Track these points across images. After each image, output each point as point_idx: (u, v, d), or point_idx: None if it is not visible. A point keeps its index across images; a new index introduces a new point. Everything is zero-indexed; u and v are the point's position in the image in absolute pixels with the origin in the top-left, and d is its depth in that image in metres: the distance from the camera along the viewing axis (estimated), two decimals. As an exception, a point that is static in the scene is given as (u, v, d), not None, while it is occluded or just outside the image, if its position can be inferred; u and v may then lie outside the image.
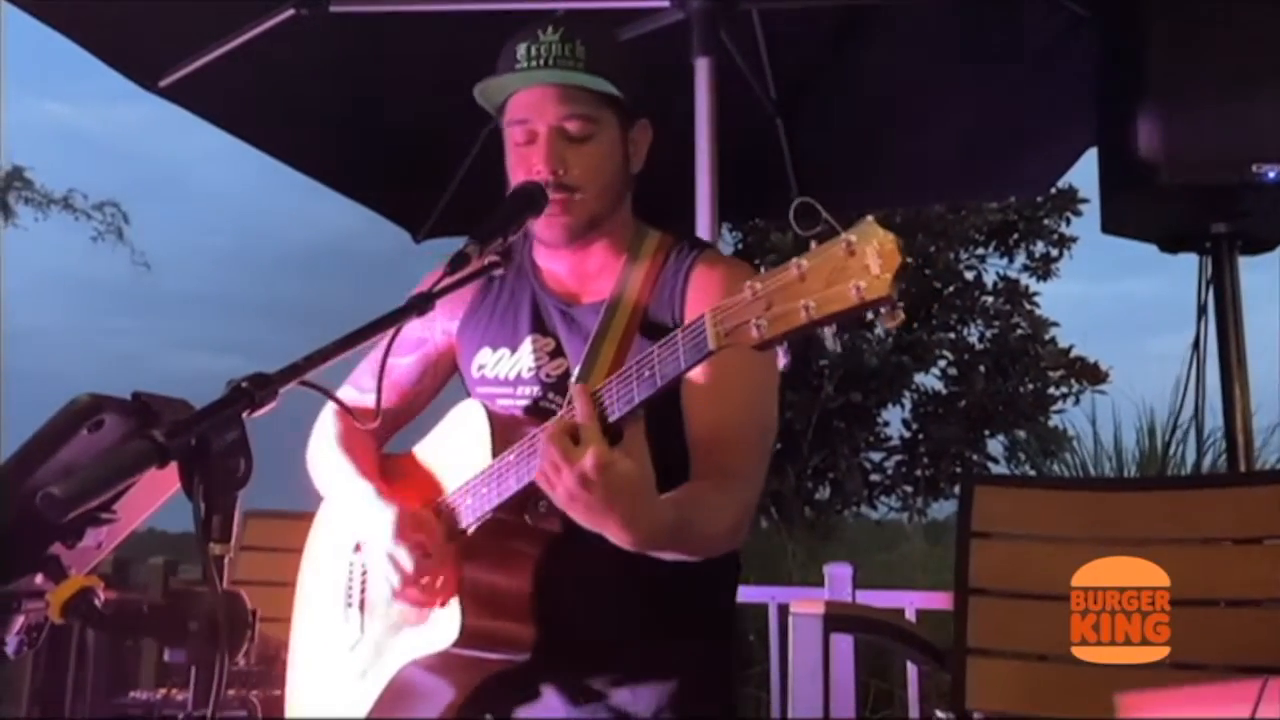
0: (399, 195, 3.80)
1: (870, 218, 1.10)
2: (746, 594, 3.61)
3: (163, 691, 2.90)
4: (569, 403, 1.36)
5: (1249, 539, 2.08)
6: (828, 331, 1.15)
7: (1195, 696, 1.94)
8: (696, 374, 1.50)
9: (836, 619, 2.05)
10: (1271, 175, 2.40)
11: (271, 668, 2.38)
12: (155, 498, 1.33)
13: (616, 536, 1.34)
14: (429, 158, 3.60)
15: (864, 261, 1.07)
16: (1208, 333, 2.77)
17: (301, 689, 1.76)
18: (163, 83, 3.05)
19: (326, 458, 1.74)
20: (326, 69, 3.19)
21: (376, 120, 3.39)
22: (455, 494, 1.56)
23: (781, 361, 1.45)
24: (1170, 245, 2.87)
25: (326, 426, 1.78)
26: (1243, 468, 2.66)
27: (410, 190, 3.75)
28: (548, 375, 1.66)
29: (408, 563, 1.52)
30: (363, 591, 1.67)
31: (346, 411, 1.48)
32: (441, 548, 1.54)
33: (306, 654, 1.77)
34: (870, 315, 1.10)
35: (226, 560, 1.10)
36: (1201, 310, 2.77)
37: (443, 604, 1.53)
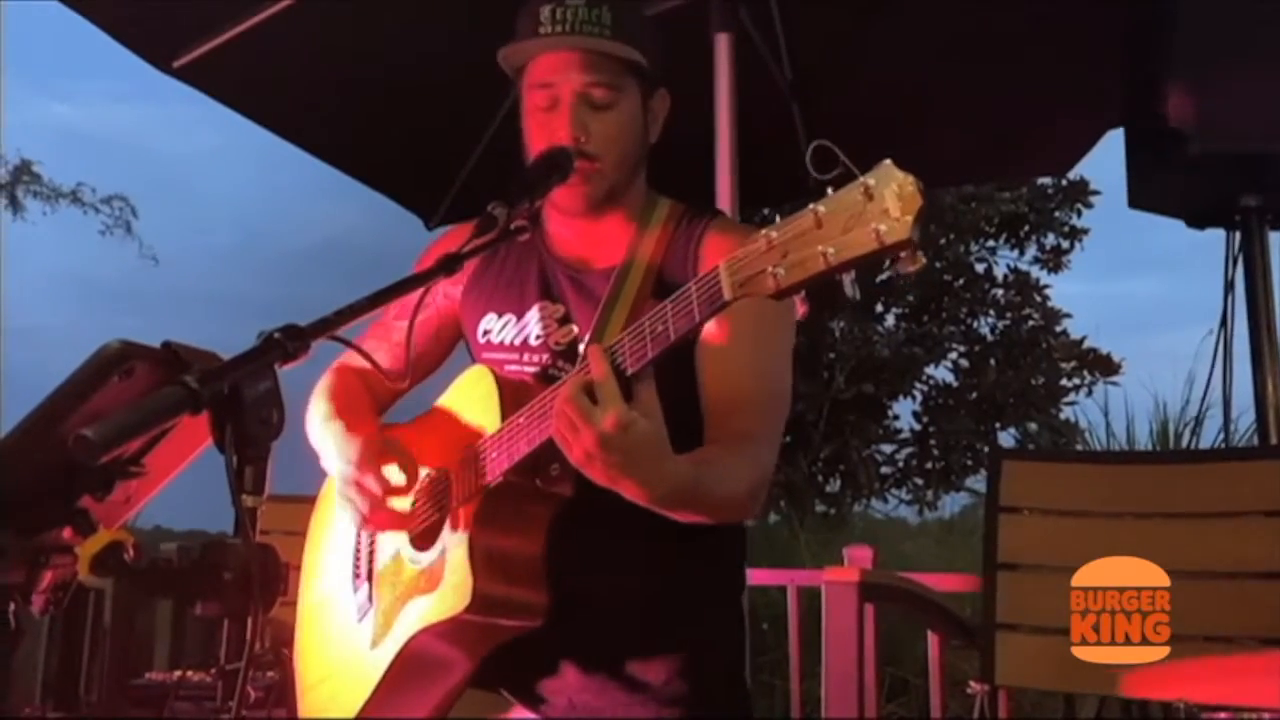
0: (412, 180, 3.77)
1: (888, 161, 1.08)
2: (766, 578, 3.58)
3: (178, 673, 2.87)
4: (583, 361, 1.33)
5: (1278, 511, 2.05)
6: (846, 279, 1.14)
7: (1229, 669, 1.92)
8: (708, 336, 1.49)
9: (872, 587, 1.99)
10: (1305, 144, 2.36)
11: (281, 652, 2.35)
12: (183, 456, 1.32)
13: (633, 494, 1.33)
14: (443, 142, 3.57)
15: (883, 205, 1.05)
16: (1235, 310, 2.73)
17: (310, 663, 1.73)
18: (177, 63, 3.03)
19: (314, 413, 1.71)
20: (341, 51, 3.17)
21: (391, 104, 3.36)
22: (465, 457, 1.53)
23: (800, 310, 1.43)
24: (1198, 220, 2.82)
25: (320, 388, 1.76)
26: (1274, 441, 2.61)
27: (423, 175, 3.72)
28: (556, 343, 1.64)
29: (374, 485, 1.52)
30: (371, 561, 1.65)
31: (375, 366, 1.46)
32: (413, 468, 1.55)
33: (315, 629, 1.74)
34: (890, 260, 1.08)
35: (259, 513, 1.09)
36: (1229, 287, 2.72)
37: (431, 542, 1.51)
